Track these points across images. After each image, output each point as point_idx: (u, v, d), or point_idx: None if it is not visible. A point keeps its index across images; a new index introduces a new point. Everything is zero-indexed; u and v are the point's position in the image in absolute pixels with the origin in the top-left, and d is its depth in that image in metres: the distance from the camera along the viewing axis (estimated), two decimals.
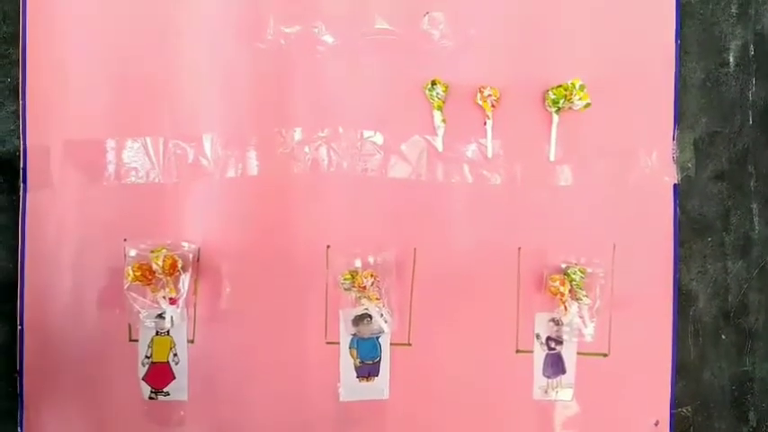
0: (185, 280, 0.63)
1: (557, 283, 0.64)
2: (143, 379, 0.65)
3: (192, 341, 0.65)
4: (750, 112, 0.69)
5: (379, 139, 0.66)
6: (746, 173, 0.70)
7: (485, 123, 0.66)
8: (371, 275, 0.63)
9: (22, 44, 0.64)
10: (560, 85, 0.64)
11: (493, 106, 0.65)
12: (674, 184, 0.68)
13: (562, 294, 0.64)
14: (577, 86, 0.64)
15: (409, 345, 0.66)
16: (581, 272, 0.64)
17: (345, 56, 0.65)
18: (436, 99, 0.65)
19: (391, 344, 0.66)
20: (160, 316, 0.63)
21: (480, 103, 0.65)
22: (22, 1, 0.64)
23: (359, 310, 0.65)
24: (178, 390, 0.65)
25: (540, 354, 0.67)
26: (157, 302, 0.63)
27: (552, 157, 0.66)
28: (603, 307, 0.66)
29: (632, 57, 0.67)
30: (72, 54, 0.65)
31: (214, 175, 0.65)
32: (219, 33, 0.65)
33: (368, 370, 0.66)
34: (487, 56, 0.66)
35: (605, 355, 0.67)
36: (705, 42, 0.69)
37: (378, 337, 0.66)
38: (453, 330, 0.67)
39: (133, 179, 0.65)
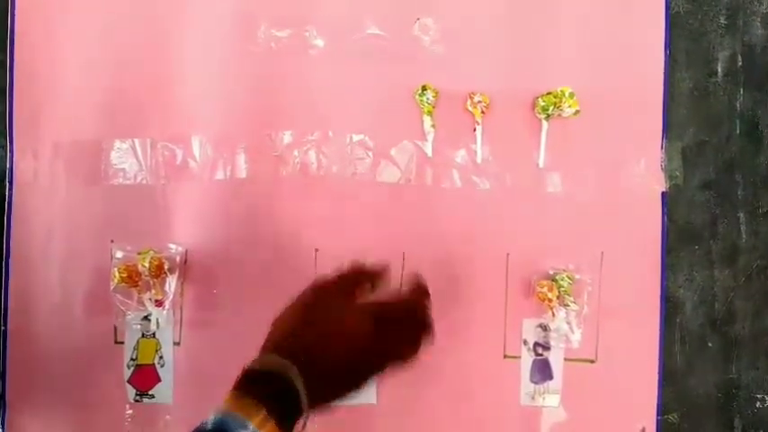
0: (172, 282, 0.63)
1: (544, 289, 0.64)
2: (128, 381, 0.65)
3: (178, 343, 0.65)
4: (738, 122, 0.70)
5: (368, 143, 0.66)
6: (734, 182, 0.70)
7: (474, 129, 0.66)
8: None
9: (10, 46, 0.64)
10: (550, 93, 0.64)
11: (483, 112, 0.66)
12: (662, 193, 0.68)
13: (550, 300, 0.64)
14: (567, 94, 0.64)
15: None
16: (569, 278, 0.65)
17: (336, 60, 0.65)
18: (426, 104, 0.65)
19: None
20: (146, 318, 0.63)
21: (470, 109, 0.66)
22: (10, 3, 0.64)
23: None
24: (163, 392, 0.65)
25: (527, 359, 0.67)
26: (144, 304, 0.63)
27: (541, 164, 0.67)
28: (591, 313, 0.65)
29: (622, 65, 0.67)
30: (61, 56, 0.64)
31: (202, 177, 0.65)
32: (210, 36, 0.65)
33: None
34: (478, 63, 0.66)
35: (592, 362, 0.67)
36: (694, 52, 0.69)
37: None
38: (441, 335, 0.66)
39: (121, 180, 0.65)
